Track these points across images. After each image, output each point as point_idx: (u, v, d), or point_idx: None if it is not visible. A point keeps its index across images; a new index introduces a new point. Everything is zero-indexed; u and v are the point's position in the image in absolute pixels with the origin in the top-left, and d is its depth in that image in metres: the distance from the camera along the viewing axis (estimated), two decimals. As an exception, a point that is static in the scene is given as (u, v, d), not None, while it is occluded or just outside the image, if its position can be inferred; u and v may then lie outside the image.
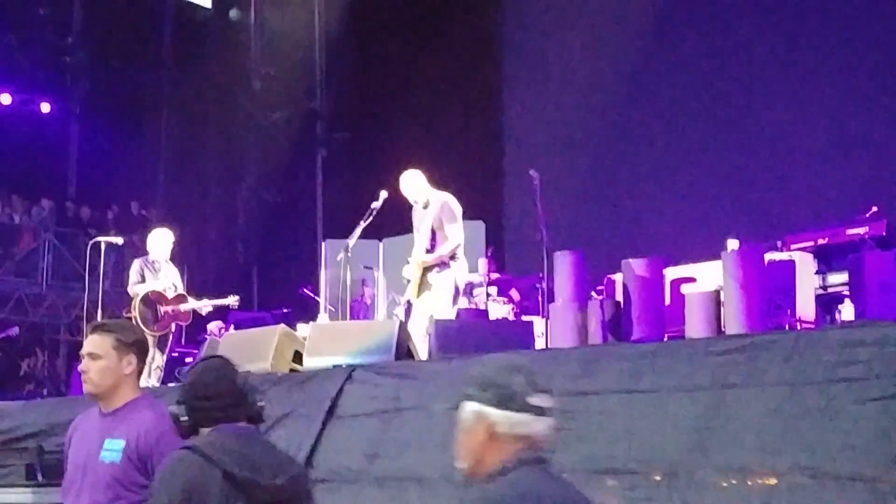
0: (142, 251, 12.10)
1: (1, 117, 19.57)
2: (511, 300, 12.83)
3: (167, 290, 11.42)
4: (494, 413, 3.07)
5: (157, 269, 11.51)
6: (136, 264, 11.64)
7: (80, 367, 4.57)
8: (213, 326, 13.96)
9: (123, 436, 4.41)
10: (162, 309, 11.36)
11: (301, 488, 3.96)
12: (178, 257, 12.10)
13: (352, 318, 12.10)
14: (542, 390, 3.10)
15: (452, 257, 9.84)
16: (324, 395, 7.25)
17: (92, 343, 4.53)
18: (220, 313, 12.95)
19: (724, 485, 5.09)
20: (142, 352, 4.62)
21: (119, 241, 13.18)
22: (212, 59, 21.72)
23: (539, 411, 3.08)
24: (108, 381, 4.50)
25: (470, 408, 3.07)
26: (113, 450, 4.41)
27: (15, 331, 16.78)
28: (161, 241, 11.69)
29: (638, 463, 5.43)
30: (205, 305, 11.65)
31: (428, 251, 9.73)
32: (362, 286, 13.73)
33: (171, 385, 10.93)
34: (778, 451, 5.03)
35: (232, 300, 11.84)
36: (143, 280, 11.40)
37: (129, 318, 10.81)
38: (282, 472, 3.84)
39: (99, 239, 12.47)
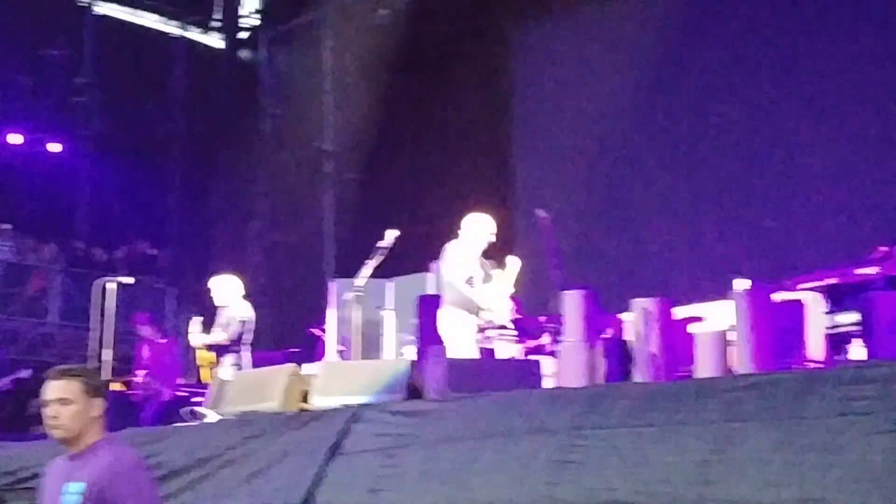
0: (150, 290, 12.25)
1: (13, 157, 19.67)
2: (520, 339, 12.79)
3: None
4: None
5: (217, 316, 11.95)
6: None
7: (48, 413, 4.58)
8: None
9: (84, 478, 4.50)
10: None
11: None
12: (189, 298, 12.22)
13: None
14: None
15: None
16: (329, 433, 7.25)
17: (60, 389, 4.58)
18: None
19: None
20: (105, 395, 4.75)
21: (129, 280, 13.23)
22: (222, 100, 21.85)
23: None
24: (78, 426, 4.58)
25: None
26: (74, 493, 4.49)
27: (27, 373, 16.80)
28: (211, 287, 11.97)
29: (641, 495, 5.42)
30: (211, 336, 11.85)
31: None
32: None
33: (177, 425, 10.95)
34: (783, 484, 5.01)
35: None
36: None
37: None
38: None
39: (108, 279, 12.50)
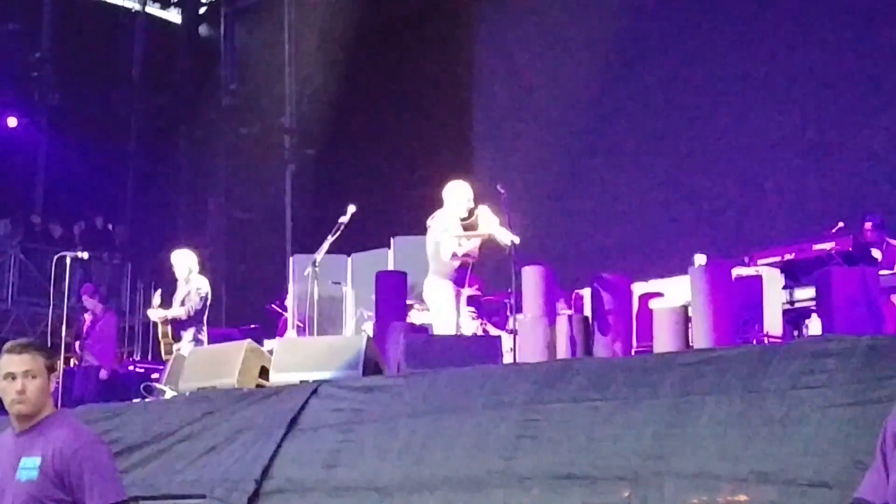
0: (107, 266, 12.13)
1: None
2: (480, 315, 12.80)
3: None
4: None
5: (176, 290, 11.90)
6: None
7: (14, 388, 4.52)
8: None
9: (39, 453, 4.44)
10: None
11: None
12: (146, 274, 12.13)
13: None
14: None
15: None
16: (287, 409, 7.23)
17: (26, 362, 4.52)
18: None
19: (687, 492, 5.09)
20: (56, 371, 4.74)
21: (85, 256, 13.10)
22: (181, 75, 21.71)
23: None
24: (42, 400, 4.55)
25: None
26: (30, 468, 4.42)
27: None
28: (173, 262, 11.93)
29: (598, 469, 5.43)
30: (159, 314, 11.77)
31: None
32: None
33: (136, 401, 10.89)
34: (739, 457, 5.02)
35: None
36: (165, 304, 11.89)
37: None
38: None
39: (65, 254, 12.37)
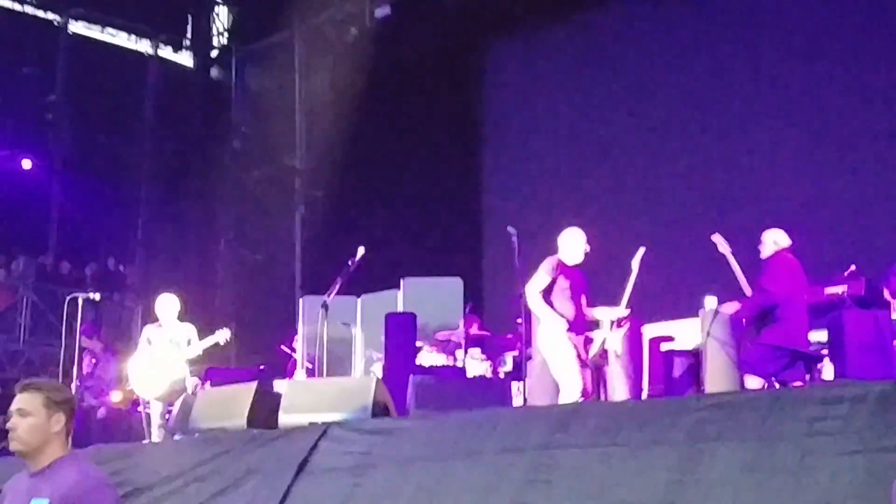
0: (118, 307, 12.07)
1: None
2: (489, 358, 12.77)
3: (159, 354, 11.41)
4: None
5: (162, 334, 11.50)
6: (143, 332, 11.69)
7: (7, 425, 4.54)
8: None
9: (48, 495, 4.42)
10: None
11: None
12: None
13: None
14: None
15: None
16: (296, 452, 7.21)
17: (21, 400, 4.54)
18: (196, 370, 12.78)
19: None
20: (71, 410, 4.63)
21: (97, 297, 13.09)
22: (192, 118, 21.83)
23: None
24: (37, 440, 4.53)
25: None
26: None
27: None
28: (161, 305, 11.69)
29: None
30: (192, 351, 11.49)
31: None
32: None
33: (145, 442, 10.88)
34: (753, 504, 4.99)
35: (222, 336, 11.58)
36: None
37: None
38: None
39: (77, 295, 12.37)
